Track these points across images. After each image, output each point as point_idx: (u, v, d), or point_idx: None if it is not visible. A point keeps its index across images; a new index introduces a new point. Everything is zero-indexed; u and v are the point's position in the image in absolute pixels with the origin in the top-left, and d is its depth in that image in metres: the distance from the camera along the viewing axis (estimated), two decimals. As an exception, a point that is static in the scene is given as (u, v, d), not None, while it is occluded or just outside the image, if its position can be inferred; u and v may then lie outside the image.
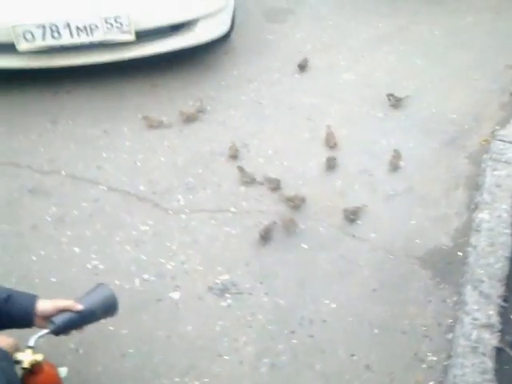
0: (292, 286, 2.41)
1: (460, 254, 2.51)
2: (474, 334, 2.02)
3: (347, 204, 2.72)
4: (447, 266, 2.47)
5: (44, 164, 3.02)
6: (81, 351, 2.17)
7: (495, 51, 3.91)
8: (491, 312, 2.09)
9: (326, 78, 3.66)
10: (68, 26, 3.11)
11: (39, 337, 1.62)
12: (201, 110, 3.35)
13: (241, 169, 2.90)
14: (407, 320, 2.26)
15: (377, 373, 2.09)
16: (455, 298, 2.32)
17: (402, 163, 2.99)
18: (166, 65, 3.73)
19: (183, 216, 2.73)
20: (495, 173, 2.70)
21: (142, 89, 3.58)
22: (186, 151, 3.10)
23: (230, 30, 3.80)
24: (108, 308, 1.79)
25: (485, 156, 2.95)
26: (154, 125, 3.24)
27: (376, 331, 2.23)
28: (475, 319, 2.08)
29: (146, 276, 2.46)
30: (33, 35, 3.10)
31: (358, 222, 2.68)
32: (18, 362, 1.55)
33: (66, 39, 3.15)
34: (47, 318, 1.68)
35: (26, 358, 1.56)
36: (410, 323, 2.25)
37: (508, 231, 2.40)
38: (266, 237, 2.57)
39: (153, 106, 3.41)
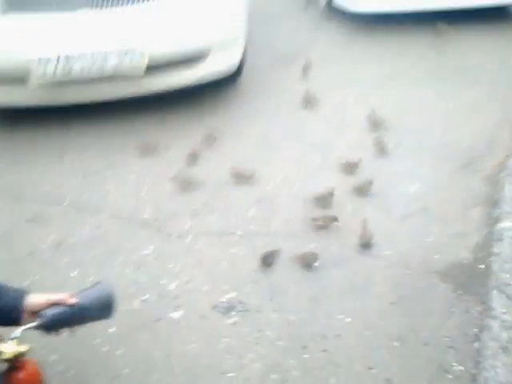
0: (303, 302, 2.24)
1: (482, 266, 2.34)
2: (504, 335, 1.82)
3: (359, 225, 2.58)
4: (469, 279, 2.29)
5: (47, 194, 2.97)
6: (71, 372, 1.99)
7: (504, 87, 3.89)
8: (522, 315, 1.90)
9: (335, 114, 3.64)
10: (79, 59, 3.16)
11: (26, 329, 1.47)
12: (209, 142, 3.31)
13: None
14: (429, 332, 2.06)
15: (398, 387, 1.87)
16: (479, 308, 2.13)
17: (415, 186, 2.87)
18: (176, 98, 3.76)
19: (187, 240, 2.61)
20: (514, 185, 2.57)
21: (152, 122, 3.60)
22: (193, 180, 3.03)
23: (240, 66, 3.85)
24: (105, 307, 1.64)
25: (501, 174, 2.83)
26: (159, 156, 3.20)
27: (395, 344, 2.03)
28: (504, 321, 1.88)
29: (145, 297, 2.30)
30: (45, 69, 3.15)
31: (372, 241, 2.53)
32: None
33: (77, 73, 3.19)
34: (37, 312, 1.54)
35: (9, 348, 1.41)
36: (431, 335, 2.05)
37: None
38: (267, 262, 2.41)
39: (161, 138, 3.39)
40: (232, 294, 2.29)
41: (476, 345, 1.97)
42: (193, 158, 3.19)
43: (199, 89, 3.64)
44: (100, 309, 1.61)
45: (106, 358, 2.04)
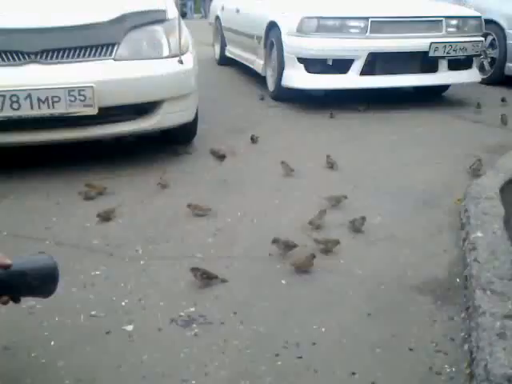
0: (272, 315, 2.01)
1: (458, 280, 2.22)
2: (498, 324, 1.66)
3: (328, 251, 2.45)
4: (447, 291, 2.15)
5: (-17, 227, 2.69)
6: (0, 385, 1.66)
7: (450, 146, 4.04)
8: (511, 306, 1.76)
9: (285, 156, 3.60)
10: (29, 96, 3.03)
11: None
12: (164, 185, 3.17)
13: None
14: (413, 338, 1.87)
15: (386, 389, 1.65)
16: (463, 315, 1.98)
17: (378, 218, 2.80)
18: (128, 146, 3.64)
19: (141, 262, 2.38)
20: (479, 206, 2.54)
21: (103, 164, 3.46)
22: (146, 214, 2.84)
23: (194, 124, 3.83)
24: (45, 278, 1.42)
25: (462, 204, 2.81)
26: (108, 197, 3.01)
27: (378, 350, 1.82)
28: (493, 313, 1.73)
29: (93, 312, 2.02)
30: (-10, 104, 3.00)
31: (341, 261, 2.38)
32: None
33: (25, 110, 3.04)
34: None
35: None
36: (416, 341, 1.86)
37: (508, 242, 2.16)
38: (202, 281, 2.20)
39: (113, 180, 3.23)
40: (192, 309, 2.04)
41: (466, 347, 1.80)
42: (145, 197, 3.02)
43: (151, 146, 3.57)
44: (38, 280, 1.39)
45: (44, 369, 1.72)
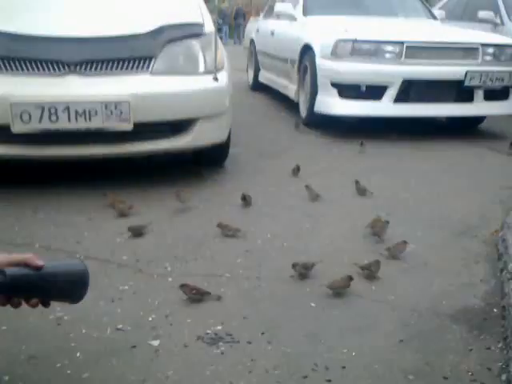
0: (300, 337, 1.96)
1: (495, 310, 2.13)
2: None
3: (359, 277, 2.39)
4: (483, 321, 2.07)
5: (17, 238, 2.72)
6: (24, 396, 1.64)
7: (484, 178, 3.96)
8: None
9: (321, 189, 3.58)
10: (67, 109, 3.07)
11: None
12: (187, 203, 3.18)
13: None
14: (448, 367, 1.80)
15: (420, 418, 1.58)
16: (500, 345, 1.89)
17: (411, 246, 2.72)
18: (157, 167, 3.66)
19: (170, 279, 2.36)
20: (518, 235, 2.46)
21: (133, 182, 3.49)
22: (175, 233, 2.84)
23: (226, 146, 3.84)
24: (75, 284, 1.41)
25: (502, 231, 2.73)
26: (137, 215, 3.02)
27: (411, 377, 1.75)
28: (535, 344, 1.65)
29: (120, 326, 2.00)
30: (30, 116, 3.04)
31: (373, 287, 2.32)
32: None
33: (63, 123, 3.09)
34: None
35: None
36: (451, 370, 1.78)
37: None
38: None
39: (143, 199, 3.26)
40: (218, 327, 2.00)
41: (504, 377, 1.72)
42: (174, 216, 3.03)
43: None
44: (69, 284, 1.38)
45: (69, 381, 1.70)
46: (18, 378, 1.70)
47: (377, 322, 2.07)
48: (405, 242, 2.60)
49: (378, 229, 2.82)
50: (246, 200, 3.23)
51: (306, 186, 3.40)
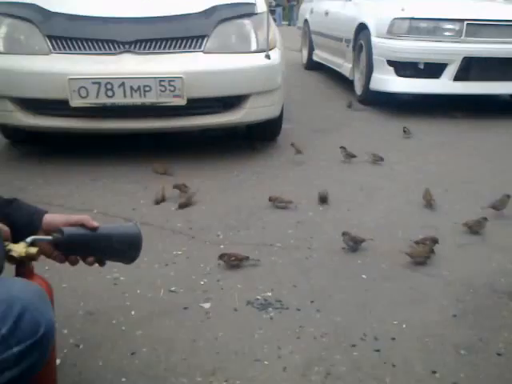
0: (350, 307, 1.95)
1: (558, 290, 2.06)
2: None
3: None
4: (542, 300, 2.00)
5: (77, 204, 2.82)
6: (81, 346, 1.72)
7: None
8: None
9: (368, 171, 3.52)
10: (123, 85, 3.15)
11: (40, 239, 1.28)
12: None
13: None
14: (502, 344, 1.75)
15: (470, 391, 1.55)
16: (560, 324, 1.83)
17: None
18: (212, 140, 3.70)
19: (222, 246, 2.39)
20: None
21: (187, 156, 3.53)
22: (228, 204, 2.87)
23: (279, 122, 3.84)
24: (129, 245, 1.44)
25: None
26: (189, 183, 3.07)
27: (462, 352, 1.71)
28: None
29: (173, 288, 2.06)
30: (87, 91, 3.13)
31: (427, 260, 2.28)
32: (8, 251, 1.21)
33: (119, 98, 3.17)
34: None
35: (18, 248, 1.22)
36: (506, 347, 1.73)
37: None
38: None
39: (198, 171, 3.31)
40: (269, 294, 2.03)
41: (562, 356, 1.66)
42: (227, 188, 3.06)
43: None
44: (124, 244, 1.41)
45: (123, 336, 1.77)
46: (76, 332, 1.78)
47: (430, 296, 2.03)
48: (485, 219, 2.54)
49: (428, 199, 2.84)
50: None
51: (341, 147, 3.44)
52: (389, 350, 1.72)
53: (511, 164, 3.65)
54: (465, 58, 4.83)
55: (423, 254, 2.27)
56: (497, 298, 2.02)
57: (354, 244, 2.36)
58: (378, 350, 1.71)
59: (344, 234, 2.36)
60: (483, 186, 3.20)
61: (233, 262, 2.19)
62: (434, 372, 1.62)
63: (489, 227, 2.56)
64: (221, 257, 2.20)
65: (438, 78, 4.92)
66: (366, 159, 3.60)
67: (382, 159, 3.56)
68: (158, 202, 2.85)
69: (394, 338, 1.78)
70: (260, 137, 4.00)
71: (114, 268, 2.14)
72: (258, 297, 2.00)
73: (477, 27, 4.87)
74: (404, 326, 1.85)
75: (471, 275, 2.18)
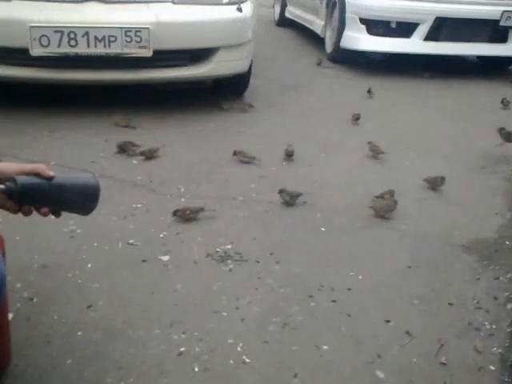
0: (308, 259, 1.98)
1: (507, 243, 2.12)
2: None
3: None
4: (494, 252, 2.06)
5: (33, 156, 2.74)
6: (35, 300, 1.69)
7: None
8: None
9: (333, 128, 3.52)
10: (86, 34, 3.02)
11: None
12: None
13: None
14: (453, 294, 1.81)
15: (421, 339, 1.59)
16: (509, 275, 1.89)
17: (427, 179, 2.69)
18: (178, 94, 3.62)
19: (183, 199, 2.37)
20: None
21: (151, 108, 3.44)
22: (191, 158, 2.83)
23: (246, 79, 3.78)
24: (86, 196, 1.39)
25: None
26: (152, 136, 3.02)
27: (415, 302, 1.76)
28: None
29: (131, 241, 2.04)
30: (49, 40, 2.99)
31: (386, 216, 2.31)
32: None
33: (82, 48, 3.04)
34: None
35: None
36: (457, 297, 1.79)
37: None
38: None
39: (161, 124, 3.24)
40: (228, 246, 2.03)
41: (509, 306, 1.72)
42: (190, 142, 3.01)
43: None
44: (80, 195, 1.35)
45: (79, 289, 1.75)
46: (30, 285, 1.75)
47: (386, 248, 2.07)
48: (442, 178, 2.57)
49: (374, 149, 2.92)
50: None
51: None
52: (345, 301, 1.75)
53: (473, 123, 3.68)
54: (437, 18, 4.80)
55: (386, 207, 2.29)
56: (450, 250, 2.07)
57: (291, 199, 2.36)
58: (334, 301, 1.74)
59: (281, 191, 2.36)
60: (444, 144, 3.23)
61: (188, 216, 2.17)
62: (388, 321, 1.66)
63: (447, 183, 2.60)
64: (175, 213, 2.18)
65: (408, 37, 4.89)
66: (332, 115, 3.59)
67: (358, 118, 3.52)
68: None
69: (349, 289, 1.81)
70: (227, 92, 3.93)
71: (70, 220, 2.11)
72: (218, 249, 2.00)
73: None
74: (360, 277, 1.88)
75: (427, 229, 2.22)
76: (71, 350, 1.49)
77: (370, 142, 2.95)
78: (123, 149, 2.82)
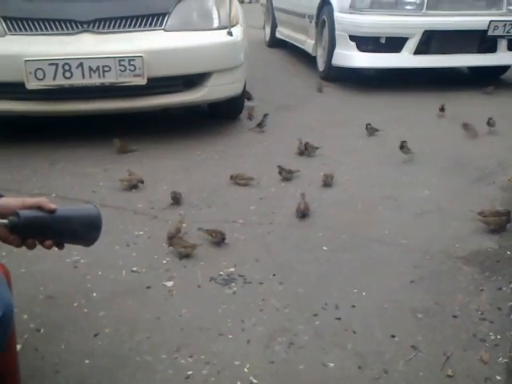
0: (311, 278, 1.99)
1: (509, 253, 2.13)
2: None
3: (372, 223, 2.40)
4: (496, 263, 2.07)
5: (34, 189, 2.77)
6: (42, 331, 1.71)
7: (507, 127, 3.86)
8: None
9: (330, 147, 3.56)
10: (81, 65, 3.08)
11: None
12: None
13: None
14: (457, 306, 1.81)
15: (427, 353, 1.60)
16: (513, 286, 1.90)
17: (426, 192, 2.72)
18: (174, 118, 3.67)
19: (184, 225, 2.39)
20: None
21: (148, 134, 3.49)
22: (190, 182, 2.86)
23: (240, 102, 3.83)
24: (88, 227, 1.41)
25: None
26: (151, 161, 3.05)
27: (420, 316, 1.77)
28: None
29: (135, 268, 2.05)
30: (44, 73, 3.05)
31: (386, 231, 2.33)
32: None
33: (77, 79, 3.10)
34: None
35: None
36: (461, 309, 1.80)
37: None
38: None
39: (158, 150, 3.28)
40: (231, 269, 2.04)
41: (513, 316, 1.73)
42: (189, 166, 3.05)
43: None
44: (83, 226, 1.38)
45: (86, 318, 1.76)
46: (37, 316, 1.77)
47: (388, 264, 2.08)
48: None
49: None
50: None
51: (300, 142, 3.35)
52: (349, 318, 1.76)
53: (466, 134, 3.71)
54: (425, 32, 4.87)
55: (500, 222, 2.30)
56: (452, 263, 2.08)
57: (288, 174, 2.84)
58: (338, 318, 1.75)
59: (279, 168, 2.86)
60: (440, 156, 3.26)
61: (185, 250, 2.13)
62: (393, 336, 1.67)
63: (445, 196, 2.63)
64: (170, 246, 2.17)
65: (398, 52, 4.95)
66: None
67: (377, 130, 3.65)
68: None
69: (354, 306, 1.82)
70: (222, 115, 3.98)
71: (73, 251, 2.12)
72: (221, 273, 2.02)
73: (437, 1, 4.91)
74: (363, 293, 1.89)
75: (428, 242, 2.24)
76: (80, 379, 1.51)
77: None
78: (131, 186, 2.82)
